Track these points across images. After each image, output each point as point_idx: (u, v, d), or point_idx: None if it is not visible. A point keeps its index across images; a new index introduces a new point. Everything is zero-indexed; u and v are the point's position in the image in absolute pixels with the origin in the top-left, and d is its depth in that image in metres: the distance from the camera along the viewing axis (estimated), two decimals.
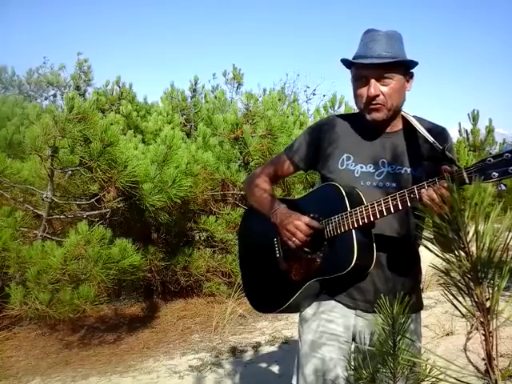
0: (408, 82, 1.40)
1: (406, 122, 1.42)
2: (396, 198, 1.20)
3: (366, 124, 1.44)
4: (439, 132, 1.38)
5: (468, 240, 0.55)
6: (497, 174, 1.01)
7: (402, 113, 1.42)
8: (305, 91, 10.44)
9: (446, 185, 1.09)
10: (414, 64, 1.38)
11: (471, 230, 0.55)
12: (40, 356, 3.28)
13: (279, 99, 6.52)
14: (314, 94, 10.36)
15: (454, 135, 9.63)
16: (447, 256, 0.57)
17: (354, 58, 1.36)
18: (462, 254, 0.54)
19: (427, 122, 1.41)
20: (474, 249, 0.55)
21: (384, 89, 1.34)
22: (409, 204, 1.18)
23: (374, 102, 1.34)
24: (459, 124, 9.48)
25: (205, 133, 4.63)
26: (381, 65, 1.32)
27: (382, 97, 1.34)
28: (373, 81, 1.33)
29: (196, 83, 8.45)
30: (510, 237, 0.56)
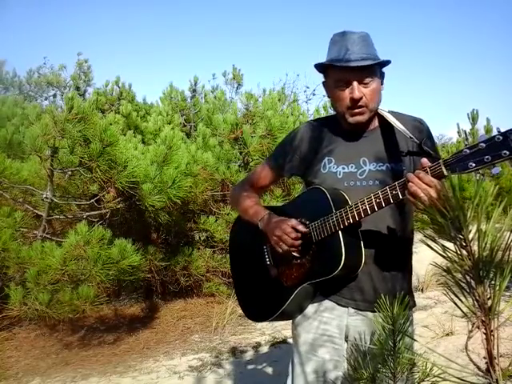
0: (382, 81, 1.41)
1: (382, 118, 1.42)
2: (379, 196, 1.20)
3: (344, 125, 1.44)
4: (416, 125, 1.39)
5: (470, 239, 0.55)
6: (474, 164, 1.02)
7: (378, 110, 1.42)
8: (305, 91, 10.42)
9: (426, 178, 1.09)
10: (388, 64, 1.39)
11: (472, 229, 0.55)
12: (40, 356, 3.28)
13: (279, 99, 6.51)
14: (313, 95, 10.33)
15: (453, 136, 9.64)
16: (449, 255, 0.57)
17: (332, 61, 1.34)
18: (464, 252, 0.54)
19: (403, 116, 1.42)
20: (475, 248, 0.55)
21: (365, 91, 1.34)
22: (391, 200, 1.19)
23: (358, 105, 1.34)
24: (458, 125, 9.49)
25: (204, 133, 4.63)
26: (365, 67, 1.31)
27: (364, 99, 1.34)
28: (355, 83, 1.32)
29: (196, 83, 8.44)
30: (511, 236, 0.56)
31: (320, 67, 1.42)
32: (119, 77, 8.25)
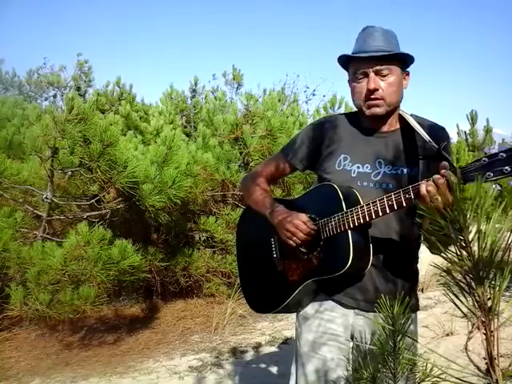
0: (405, 79, 1.41)
1: (403, 120, 1.41)
2: (391, 198, 1.20)
3: (363, 123, 1.44)
4: (437, 131, 1.38)
5: (470, 239, 0.55)
6: (492, 174, 1.01)
7: (400, 111, 1.42)
8: (305, 92, 10.40)
9: (440, 181, 1.09)
10: (410, 59, 1.39)
11: (472, 230, 0.55)
12: (40, 357, 3.28)
13: (279, 100, 6.51)
14: (313, 95, 10.31)
15: (453, 136, 9.62)
16: (449, 255, 0.57)
17: (351, 54, 1.37)
18: (464, 253, 0.55)
19: (426, 121, 1.41)
20: (475, 248, 0.55)
21: (383, 83, 1.34)
22: (404, 204, 1.18)
23: (373, 97, 1.34)
24: (457, 126, 9.48)
25: (205, 133, 4.63)
26: (380, 57, 1.32)
27: (380, 91, 1.34)
28: (372, 75, 1.34)
29: (196, 84, 8.45)
30: (511, 237, 0.56)
31: (342, 64, 1.44)
32: (120, 77, 8.26)
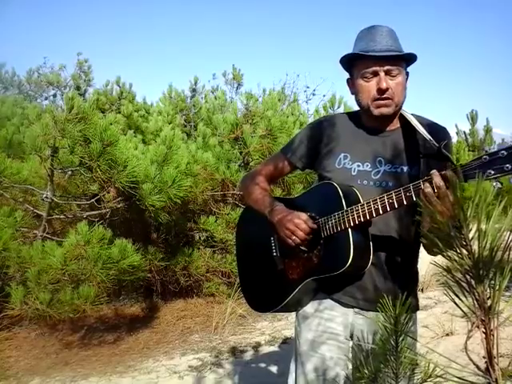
0: (406, 79, 1.41)
1: (403, 120, 1.41)
2: (392, 196, 1.20)
3: (365, 122, 1.44)
4: (438, 130, 1.38)
5: (470, 238, 0.55)
6: (492, 172, 1.01)
7: (401, 111, 1.42)
8: (305, 91, 10.38)
9: (437, 178, 1.09)
10: (415, 60, 1.40)
11: (473, 229, 0.55)
12: (40, 356, 3.28)
13: (279, 99, 6.51)
14: (313, 95, 10.29)
15: (453, 136, 9.59)
16: (449, 254, 0.57)
17: (360, 51, 1.34)
18: (464, 251, 0.55)
19: (426, 120, 1.41)
20: (475, 247, 0.55)
21: (392, 83, 1.33)
22: (405, 202, 1.18)
23: (384, 96, 1.33)
24: (456, 126, 9.46)
25: (205, 133, 4.63)
26: (393, 57, 1.32)
27: (390, 91, 1.33)
28: (382, 74, 1.32)
29: (196, 83, 8.45)
30: (511, 236, 0.56)
31: (345, 63, 1.42)
32: (119, 77, 8.26)
